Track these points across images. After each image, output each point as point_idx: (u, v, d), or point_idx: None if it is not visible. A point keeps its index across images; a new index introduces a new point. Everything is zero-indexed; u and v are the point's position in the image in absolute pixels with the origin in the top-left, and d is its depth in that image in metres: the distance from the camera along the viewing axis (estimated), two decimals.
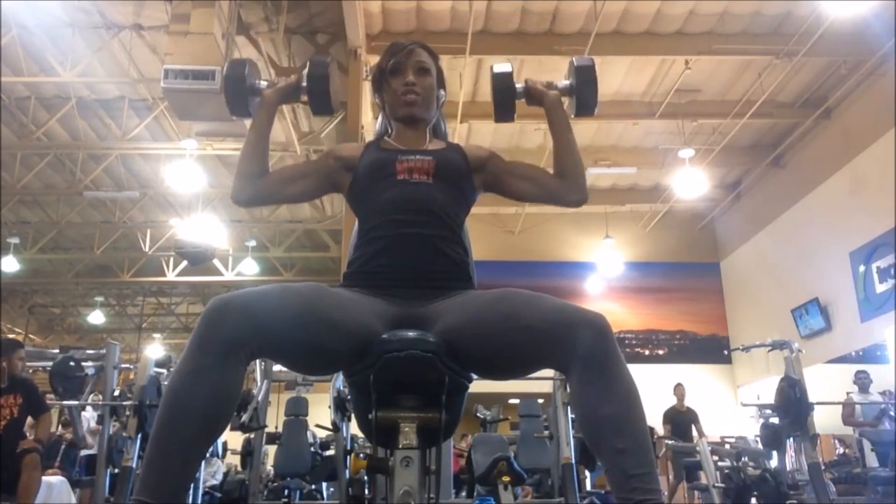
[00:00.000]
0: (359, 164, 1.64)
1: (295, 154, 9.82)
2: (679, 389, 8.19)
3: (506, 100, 1.65)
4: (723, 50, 8.09)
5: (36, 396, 4.30)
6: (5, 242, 11.96)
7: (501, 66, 1.67)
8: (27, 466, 3.93)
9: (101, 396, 5.27)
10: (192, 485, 1.75)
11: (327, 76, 1.66)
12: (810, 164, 9.90)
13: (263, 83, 1.70)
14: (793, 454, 5.79)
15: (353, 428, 5.42)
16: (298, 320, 1.29)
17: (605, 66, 8.74)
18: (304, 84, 1.66)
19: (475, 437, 5.66)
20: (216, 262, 12.20)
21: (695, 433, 8.01)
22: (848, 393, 6.96)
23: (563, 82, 1.68)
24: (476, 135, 10.03)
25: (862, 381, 6.75)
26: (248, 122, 1.70)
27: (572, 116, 1.69)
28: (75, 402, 4.91)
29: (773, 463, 5.28)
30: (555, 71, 8.71)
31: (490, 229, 11.96)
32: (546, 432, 5.36)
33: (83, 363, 4.91)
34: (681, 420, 7.98)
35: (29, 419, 4.34)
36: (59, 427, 6.80)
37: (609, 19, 7.84)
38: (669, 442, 6.90)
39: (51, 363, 4.94)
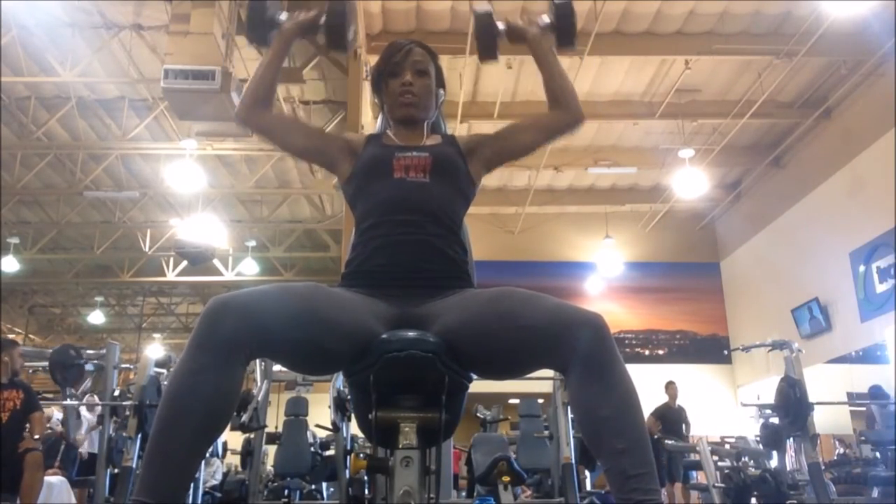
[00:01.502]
0: (360, 155, 1.65)
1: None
2: (671, 388, 8.19)
3: (488, 40, 1.70)
4: (723, 50, 8.09)
5: (30, 396, 4.32)
6: (5, 242, 11.96)
7: (481, 5, 1.73)
8: (30, 466, 3.94)
9: (95, 397, 5.27)
10: (191, 485, 1.75)
11: (345, 12, 1.67)
12: (810, 164, 9.90)
13: (284, 16, 1.71)
14: (793, 454, 5.79)
15: (353, 428, 5.43)
16: (297, 320, 1.29)
17: (605, 66, 8.74)
18: (323, 19, 1.68)
19: (475, 437, 5.66)
20: (216, 262, 12.19)
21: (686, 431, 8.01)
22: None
23: (544, 18, 1.73)
24: None
25: None
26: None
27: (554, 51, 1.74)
28: (74, 403, 4.91)
29: (773, 463, 5.29)
30: None
31: (490, 229, 11.96)
32: (546, 432, 5.36)
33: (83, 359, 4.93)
34: (672, 417, 7.98)
35: None
36: (60, 426, 6.79)
37: (609, 19, 7.84)
38: (669, 442, 6.90)
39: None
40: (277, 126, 1.68)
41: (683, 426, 8.02)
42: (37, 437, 4.23)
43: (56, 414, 6.33)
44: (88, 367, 4.97)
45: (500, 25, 1.71)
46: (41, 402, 4.59)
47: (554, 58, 1.69)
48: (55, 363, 4.82)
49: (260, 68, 1.66)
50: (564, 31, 1.71)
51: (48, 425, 5.93)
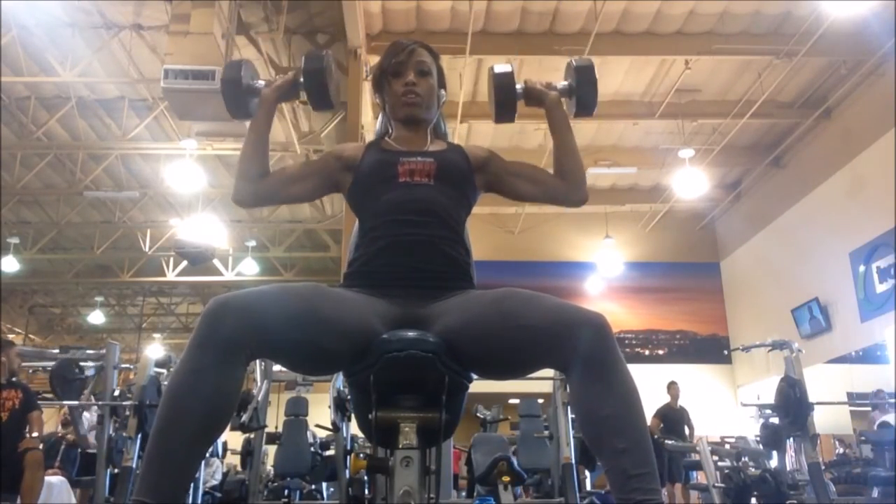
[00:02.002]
0: (360, 164, 1.64)
1: (295, 154, 9.83)
2: (673, 388, 8.19)
3: (506, 100, 1.65)
4: (723, 50, 8.09)
5: (28, 395, 4.31)
6: (5, 242, 11.96)
7: (502, 66, 1.67)
8: (30, 465, 3.92)
9: (92, 397, 5.26)
10: (192, 485, 1.76)
11: (323, 70, 1.63)
12: (810, 164, 9.90)
13: (261, 83, 1.66)
14: (793, 454, 5.78)
15: (353, 428, 5.42)
16: (298, 320, 1.29)
17: (605, 66, 8.74)
18: (301, 80, 1.63)
19: (475, 437, 5.65)
20: (216, 262, 12.20)
21: (687, 431, 8.01)
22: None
23: (563, 83, 1.69)
24: (476, 135, 10.03)
25: None
26: (247, 123, 1.69)
27: (571, 117, 1.69)
28: (76, 403, 4.91)
29: (773, 463, 5.28)
30: (555, 71, 8.70)
31: (490, 229, 11.96)
32: (546, 432, 5.36)
33: (83, 363, 4.91)
34: (674, 417, 7.98)
35: None
36: (59, 427, 6.79)
37: (609, 19, 7.84)
38: (669, 442, 6.90)
39: (51, 363, 4.94)
40: (275, 191, 1.63)
41: (686, 427, 8.02)
42: (35, 435, 4.22)
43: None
44: (89, 372, 4.97)
45: (518, 86, 1.66)
46: (40, 402, 4.58)
47: (568, 130, 1.66)
48: (56, 377, 4.81)
49: (247, 145, 1.60)
50: (584, 97, 1.63)
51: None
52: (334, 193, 1.70)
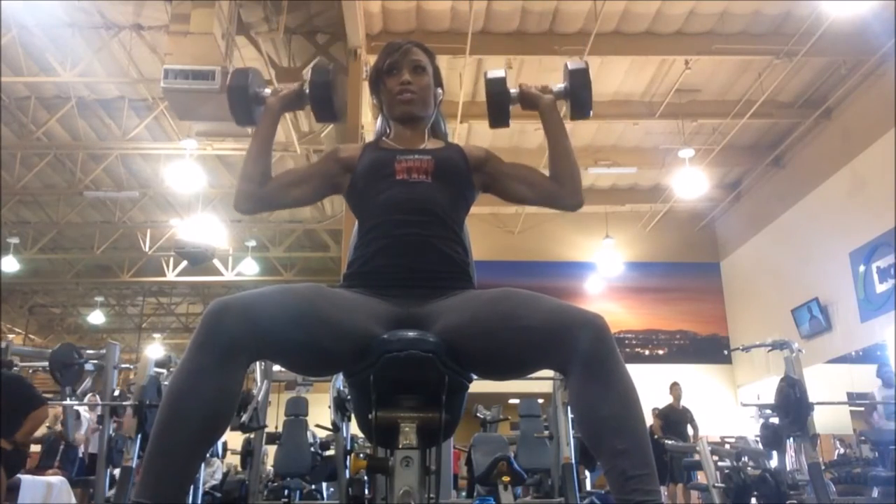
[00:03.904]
0: (358, 164, 1.64)
1: (295, 154, 9.83)
2: (675, 389, 8.19)
3: (501, 105, 1.66)
4: (723, 50, 8.09)
5: (25, 391, 4.18)
6: (5, 242, 11.96)
7: (495, 71, 1.67)
8: None
9: (97, 397, 5.27)
10: (192, 486, 1.76)
11: (329, 83, 1.63)
12: (810, 164, 9.90)
13: (267, 91, 1.67)
14: (793, 454, 5.78)
15: (353, 428, 5.42)
16: (298, 321, 1.29)
17: (605, 66, 8.74)
18: (307, 91, 1.64)
19: (475, 437, 5.65)
20: (216, 262, 12.20)
21: (690, 432, 8.02)
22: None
23: (558, 86, 1.69)
24: (476, 135, 10.02)
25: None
26: (251, 131, 1.69)
27: (568, 120, 1.69)
28: (75, 403, 4.91)
29: (773, 463, 5.28)
30: (555, 71, 8.70)
31: (490, 229, 11.96)
32: (546, 432, 5.37)
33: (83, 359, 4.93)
34: (676, 418, 7.97)
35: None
36: (59, 426, 6.79)
37: (609, 19, 7.84)
38: (670, 443, 6.90)
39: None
40: (276, 197, 1.62)
41: (689, 427, 8.02)
42: (15, 440, 4.05)
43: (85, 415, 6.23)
44: (88, 366, 4.97)
45: (513, 91, 1.66)
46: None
47: (564, 134, 1.66)
48: (55, 362, 4.82)
49: (249, 153, 1.61)
50: (579, 100, 1.64)
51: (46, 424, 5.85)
52: (335, 195, 1.70)
